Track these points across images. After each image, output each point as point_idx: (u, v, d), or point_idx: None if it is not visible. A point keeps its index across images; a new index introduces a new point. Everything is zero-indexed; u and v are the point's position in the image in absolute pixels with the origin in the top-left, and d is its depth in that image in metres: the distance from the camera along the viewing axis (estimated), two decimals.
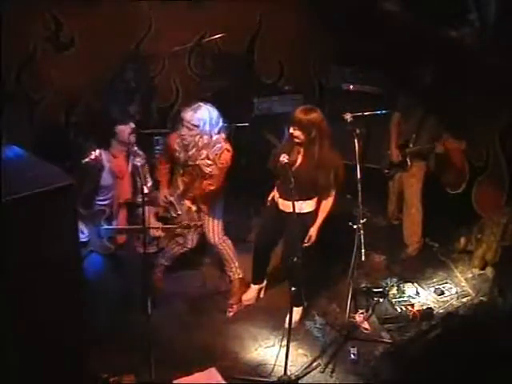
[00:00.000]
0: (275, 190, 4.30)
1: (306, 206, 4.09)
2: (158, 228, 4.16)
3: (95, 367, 3.53)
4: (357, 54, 5.90)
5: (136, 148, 4.13)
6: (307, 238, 4.14)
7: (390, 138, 5.13)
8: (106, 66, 5.50)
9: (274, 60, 6.48)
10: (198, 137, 4.12)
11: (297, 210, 3.82)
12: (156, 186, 4.55)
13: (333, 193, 4.18)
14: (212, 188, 4.25)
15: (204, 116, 4.08)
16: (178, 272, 4.82)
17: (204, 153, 4.17)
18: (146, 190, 3.55)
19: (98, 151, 4.06)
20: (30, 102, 5.59)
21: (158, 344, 3.70)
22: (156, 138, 5.34)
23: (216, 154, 4.18)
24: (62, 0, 5.40)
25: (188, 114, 4.08)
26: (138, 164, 3.67)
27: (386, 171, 5.28)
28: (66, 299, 2.91)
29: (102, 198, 4.09)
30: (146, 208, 4.21)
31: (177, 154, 4.28)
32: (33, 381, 2.91)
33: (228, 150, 4.21)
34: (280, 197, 4.23)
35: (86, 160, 4.03)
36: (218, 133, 4.18)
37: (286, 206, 4.15)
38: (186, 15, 5.86)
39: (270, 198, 4.36)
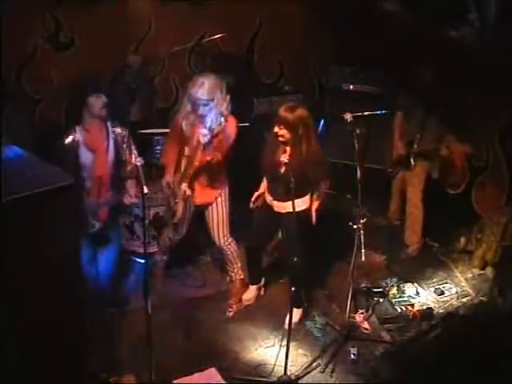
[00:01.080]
0: (267, 193, 4.28)
1: (301, 204, 4.07)
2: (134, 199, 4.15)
3: (95, 367, 3.53)
4: (357, 54, 5.91)
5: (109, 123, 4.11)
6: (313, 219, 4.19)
7: (394, 135, 5.13)
8: (106, 66, 5.51)
9: (274, 60, 6.48)
10: (215, 107, 4.02)
11: (296, 208, 3.82)
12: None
13: (323, 185, 4.21)
14: (208, 159, 4.07)
15: (213, 88, 3.99)
16: (178, 271, 4.83)
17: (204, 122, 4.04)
18: (145, 190, 3.53)
19: (73, 132, 4.03)
20: (30, 101, 5.59)
21: (158, 344, 3.70)
22: (156, 138, 5.34)
23: (220, 124, 4.03)
24: (62, 0, 5.40)
25: (198, 93, 3.96)
26: (138, 164, 3.65)
27: (390, 170, 5.27)
28: (65, 299, 2.90)
29: (84, 174, 4.05)
30: (129, 182, 4.22)
31: (186, 134, 4.18)
32: (33, 381, 2.91)
33: (230, 121, 4.09)
34: (274, 199, 4.21)
35: (67, 141, 4.00)
36: (225, 101, 4.09)
37: (281, 207, 4.16)
38: (186, 15, 5.87)
39: (254, 199, 4.34)
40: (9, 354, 2.76)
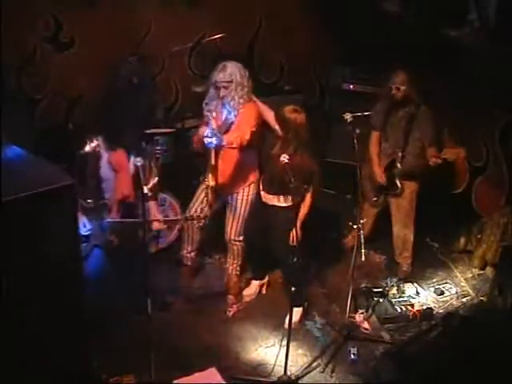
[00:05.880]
0: (260, 183, 4.33)
1: (286, 200, 4.12)
2: (158, 220, 4.11)
3: (95, 367, 3.53)
4: (357, 54, 5.90)
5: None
6: (292, 238, 4.06)
7: (371, 158, 4.74)
8: (106, 66, 5.49)
9: (274, 60, 6.48)
10: (234, 90, 4.15)
11: (281, 204, 3.83)
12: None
13: (308, 197, 4.17)
14: (229, 145, 4.12)
15: (234, 71, 4.15)
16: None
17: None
18: (145, 190, 3.54)
19: (95, 142, 4.02)
20: (30, 101, 5.59)
21: (158, 344, 3.70)
22: (156, 138, 5.32)
23: (241, 104, 4.17)
24: (62, 0, 5.40)
25: (219, 76, 4.13)
26: (138, 164, 3.65)
27: (374, 199, 4.82)
28: (65, 299, 2.91)
29: (105, 191, 4.05)
30: (151, 203, 4.18)
31: (207, 121, 4.25)
32: (33, 380, 2.91)
33: (249, 105, 4.20)
34: (263, 189, 4.27)
35: (87, 149, 3.99)
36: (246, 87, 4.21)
37: (268, 198, 4.24)
38: (186, 15, 5.86)
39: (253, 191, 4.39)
40: (8, 354, 2.76)
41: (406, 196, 4.74)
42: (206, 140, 4.01)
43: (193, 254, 4.72)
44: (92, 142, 4.01)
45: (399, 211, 4.81)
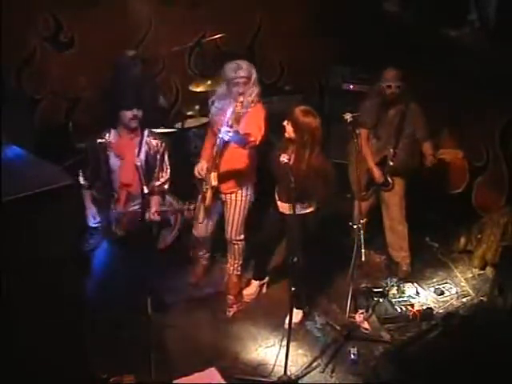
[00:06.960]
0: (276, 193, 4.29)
1: (303, 208, 4.08)
2: (156, 212, 4.08)
3: (95, 367, 3.53)
4: (357, 54, 5.90)
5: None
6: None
7: (365, 156, 4.68)
8: (106, 66, 5.50)
9: (274, 60, 6.48)
10: (252, 86, 4.18)
11: (297, 211, 3.82)
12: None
13: (321, 197, 4.15)
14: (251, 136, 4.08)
15: (250, 68, 4.19)
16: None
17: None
18: (145, 190, 3.54)
19: (108, 133, 4.01)
20: (30, 101, 5.59)
21: (158, 344, 3.70)
22: None
23: (253, 103, 4.17)
24: (62, 0, 5.40)
25: (237, 72, 4.14)
26: (138, 164, 3.65)
27: (364, 194, 4.74)
28: (65, 299, 2.91)
29: (113, 178, 4.04)
30: (155, 197, 4.15)
31: (215, 120, 4.29)
32: (33, 381, 2.91)
33: (258, 106, 4.20)
34: (279, 199, 4.23)
35: (100, 140, 3.99)
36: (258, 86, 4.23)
37: (284, 207, 4.18)
38: (185, 15, 5.87)
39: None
40: (8, 354, 2.76)
41: (398, 191, 4.76)
42: (224, 135, 3.96)
43: (207, 254, 4.76)
44: (108, 132, 4.00)
45: (392, 207, 4.82)
